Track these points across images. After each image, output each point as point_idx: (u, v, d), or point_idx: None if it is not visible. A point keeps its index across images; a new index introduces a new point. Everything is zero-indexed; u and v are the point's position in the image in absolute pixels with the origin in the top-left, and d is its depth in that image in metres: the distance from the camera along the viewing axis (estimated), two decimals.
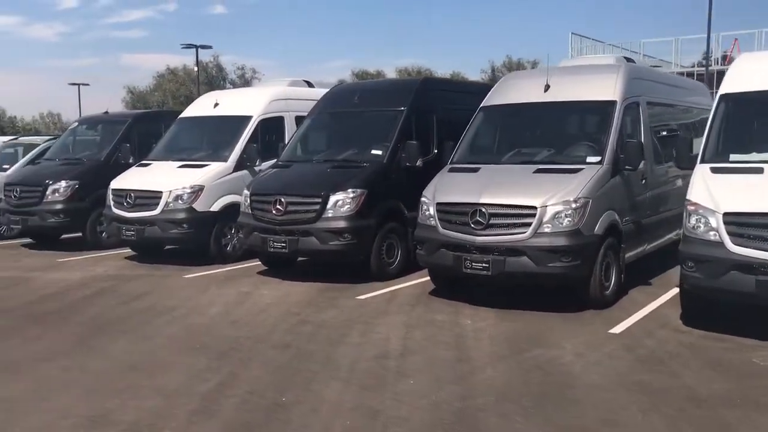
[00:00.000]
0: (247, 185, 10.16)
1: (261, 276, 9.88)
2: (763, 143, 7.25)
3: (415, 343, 6.53)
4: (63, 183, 12.28)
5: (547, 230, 7.32)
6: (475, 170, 8.34)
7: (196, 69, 45.35)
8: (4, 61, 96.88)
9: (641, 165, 8.19)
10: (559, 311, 7.49)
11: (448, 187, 8.16)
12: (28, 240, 13.52)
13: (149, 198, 10.81)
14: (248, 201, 9.74)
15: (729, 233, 6.28)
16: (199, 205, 10.69)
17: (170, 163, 11.48)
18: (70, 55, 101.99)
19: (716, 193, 6.54)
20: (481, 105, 9.31)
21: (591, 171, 7.69)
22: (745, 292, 6.20)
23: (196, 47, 43.12)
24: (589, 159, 7.97)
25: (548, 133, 8.98)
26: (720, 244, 6.33)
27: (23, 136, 20.28)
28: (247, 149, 11.21)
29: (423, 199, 8.31)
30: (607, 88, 8.42)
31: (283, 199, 9.22)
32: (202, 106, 12.62)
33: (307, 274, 9.77)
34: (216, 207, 10.85)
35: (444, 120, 10.52)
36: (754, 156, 7.08)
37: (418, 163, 9.69)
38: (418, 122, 10.09)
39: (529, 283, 7.92)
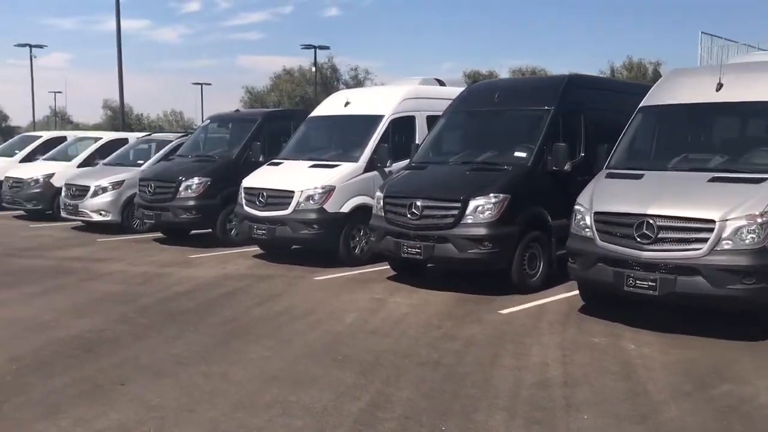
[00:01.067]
0: (379, 187, 9.77)
1: (392, 282, 9.45)
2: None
3: (577, 369, 5.86)
4: (195, 180, 12.36)
5: (726, 247, 6.44)
6: (639, 177, 7.53)
7: (314, 69, 45.96)
8: (132, 63, 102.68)
9: None
10: (737, 339, 6.59)
11: (609, 195, 7.40)
12: (159, 235, 13.76)
13: (281, 197, 10.63)
14: (381, 203, 9.33)
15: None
16: (329, 206, 10.41)
17: (301, 162, 11.28)
18: (190, 56, 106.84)
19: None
20: (641, 105, 8.46)
21: None
22: None
23: (315, 48, 43.77)
24: None
25: (722, 138, 8.05)
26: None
27: (155, 132, 20.87)
28: (378, 149, 10.84)
29: (578, 207, 7.59)
30: None
31: (418, 203, 8.74)
32: (332, 105, 12.38)
33: (439, 281, 9.26)
34: (346, 208, 10.54)
35: (591, 121, 9.71)
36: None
37: (566, 167, 8.98)
38: (565, 123, 9.34)
39: (703, 306, 7.04)
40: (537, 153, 8.95)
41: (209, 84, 60.54)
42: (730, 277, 6.41)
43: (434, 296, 8.58)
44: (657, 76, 65.15)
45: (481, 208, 8.42)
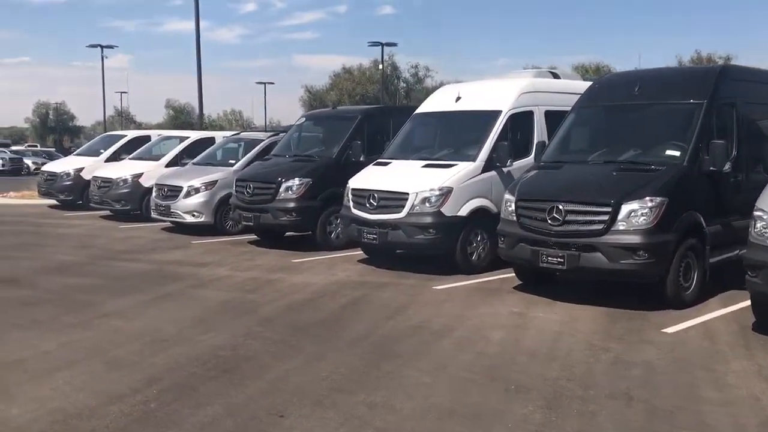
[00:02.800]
0: (508, 188, 8.96)
1: (522, 293, 8.63)
2: None
3: None
4: (296, 180, 11.77)
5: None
6: None
7: (381, 66, 45.32)
8: (191, 63, 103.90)
9: None
10: None
11: None
12: (253, 237, 13.25)
13: (394, 200, 9.93)
14: (513, 207, 8.51)
15: None
16: (447, 209, 9.66)
17: (412, 162, 10.56)
18: (247, 56, 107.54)
19: None
20: None
21: None
22: None
23: (382, 45, 43.09)
24: None
25: None
26: None
27: (245, 131, 20.45)
28: (498, 148, 10.02)
29: (758, 213, 6.65)
30: None
31: (561, 207, 7.89)
32: (441, 101, 11.59)
33: (573, 293, 8.37)
34: (464, 211, 9.77)
35: (746, 116, 8.74)
36: None
37: (726, 167, 8.04)
38: (719, 118, 8.39)
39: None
40: (692, 152, 8.01)
41: (272, 83, 60.62)
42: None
43: (579, 311, 7.73)
44: None
45: (636, 213, 7.54)
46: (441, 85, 68.94)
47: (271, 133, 15.54)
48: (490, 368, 5.83)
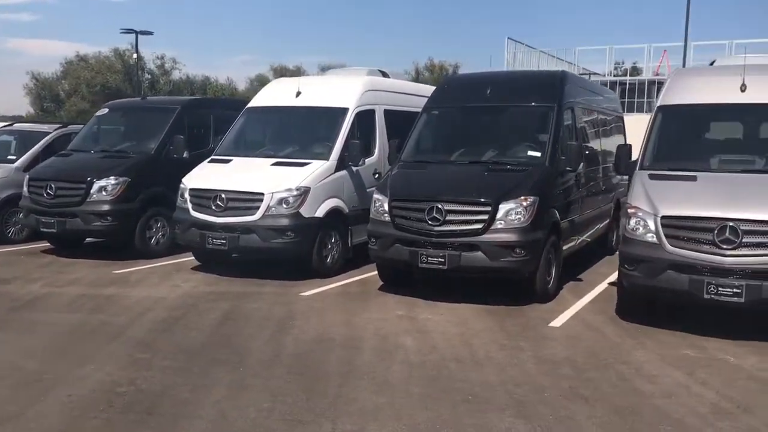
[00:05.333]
0: (377, 188, 8.73)
1: (393, 295, 8.41)
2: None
3: None
4: (111, 180, 10.30)
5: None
6: (693, 178, 7.30)
7: (135, 56, 42.11)
8: None
9: None
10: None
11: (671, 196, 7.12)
12: (45, 245, 11.36)
13: (246, 201, 9.11)
14: (386, 207, 8.28)
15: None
16: (305, 210, 9.12)
17: (258, 160, 9.82)
18: None
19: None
20: (659, 104, 8.26)
21: None
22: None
23: (136, 33, 40.01)
24: None
25: (750, 139, 8.11)
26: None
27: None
28: (350, 146, 9.71)
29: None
30: None
31: (441, 206, 7.85)
32: (279, 95, 10.90)
33: (440, 292, 8.37)
34: (321, 212, 9.31)
35: (581, 118, 9.56)
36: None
37: (580, 167, 8.68)
38: (566, 121, 9.01)
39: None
40: (551, 152, 8.47)
41: None
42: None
43: (460, 310, 7.75)
44: None
45: (512, 212, 7.75)
46: (189, 78, 66.35)
47: (58, 126, 13.43)
48: (432, 380, 5.54)
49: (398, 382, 5.46)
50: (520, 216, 7.76)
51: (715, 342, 6.60)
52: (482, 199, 7.85)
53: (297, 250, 9.14)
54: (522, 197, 7.80)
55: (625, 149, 8.25)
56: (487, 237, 7.72)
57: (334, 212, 9.49)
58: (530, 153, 8.65)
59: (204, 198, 9.35)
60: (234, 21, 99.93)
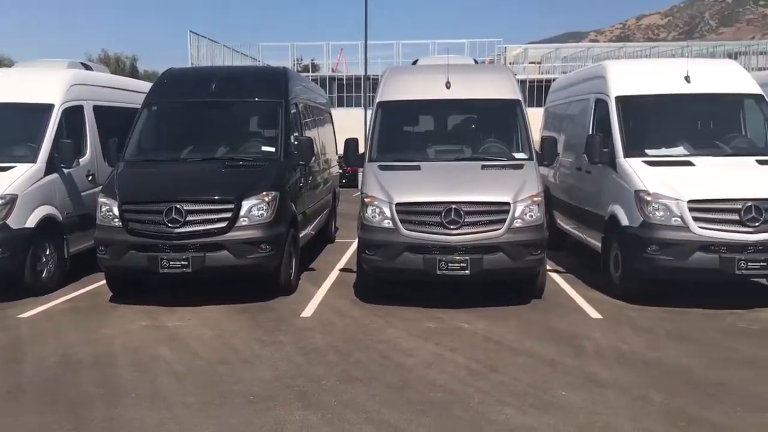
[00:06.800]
0: (102, 191, 8.07)
1: (129, 306, 7.84)
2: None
3: None
4: None
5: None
6: (418, 168, 8.03)
7: None
8: None
9: None
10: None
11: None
12: None
13: None
14: (115, 211, 7.69)
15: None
16: (13, 221, 8.04)
17: None
18: None
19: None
20: (378, 100, 8.91)
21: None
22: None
23: None
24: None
25: (458, 130, 9.13)
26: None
27: None
28: (60, 146, 8.76)
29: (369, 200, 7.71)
30: (508, 88, 8.89)
31: (180, 207, 7.53)
32: None
33: (180, 295, 8.10)
34: (32, 222, 8.28)
35: (303, 113, 9.92)
36: None
37: (312, 161, 9.00)
38: (294, 115, 9.27)
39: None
40: (284, 147, 8.63)
41: None
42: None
43: (210, 312, 7.57)
44: (135, 71, 66.74)
45: (256, 208, 7.75)
46: None
47: None
48: (206, 387, 5.35)
49: (171, 395, 5.17)
50: (263, 212, 7.78)
51: (448, 313, 7.38)
52: (224, 197, 7.71)
53: (6, 267, 8.01)
54: (264, 193, 7.83)
55: (353, 142, 8.73)
56: (232, 235, 7.61)
57: (47, 221, 8.49)
58: (264, 148, 8.70)
59: None
60: None
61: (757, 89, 8.76)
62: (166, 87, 9.40)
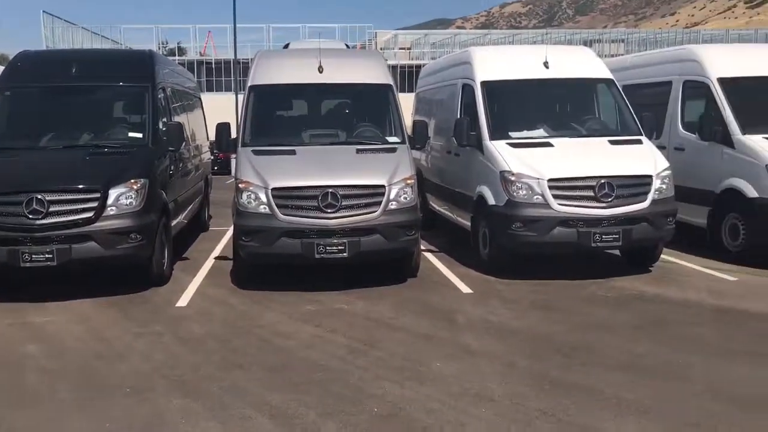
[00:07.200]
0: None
1: (5, 303, 7.40)
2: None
3: None
4: None
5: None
6: (293, 152, 8.05)
7: None
8: None
9: None
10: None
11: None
12: None
13: None
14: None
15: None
16: None
17: None
18: None
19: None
20: (251, 84, 8.81)
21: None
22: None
23: None
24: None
25: (332, 115, 9.18)
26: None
27: None
28: None
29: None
30: (380, 73, 9.06)
31: (42, 197, 7.13)
32: None
33: (45, 289, 7.69)
34: None
35: (173, 98, 9.66)
36: None
37: (182, 147, 8.80)
38: (161, 100, 8.98)
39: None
40: (152, 133, 8.37)
41: None
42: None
43: (79, 306, 7.24)
44: None
45: (124, 196, 7.48)
46: None
47: None
48: (80, 382, 5.16)
49: (44, 392, 4.96)
50: (131, 200, 7.52)
51: (327, 295, 7.49)
52: (90, 186, 7.37)
53: None
54: (132, 180, 7.56)
55: (225, 127, 8.60)
56: (100, 225, 7.30)
57: None
58: (131, 135, 8.42)
59: None
60: None
61: (608, 74, 9.42)
62: (20, 71, 8.84)
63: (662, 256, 8.65)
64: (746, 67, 9.48)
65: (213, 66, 48.45)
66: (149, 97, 8.57)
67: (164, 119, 8.80)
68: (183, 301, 7.43)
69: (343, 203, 7.43)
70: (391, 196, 7.58)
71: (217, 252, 10.08)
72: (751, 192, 8.48)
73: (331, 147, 8.31)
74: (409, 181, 7.76)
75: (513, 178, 7.97)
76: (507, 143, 8.43)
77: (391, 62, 41.48)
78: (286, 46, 10.38)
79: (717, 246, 9.02)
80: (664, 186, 8.09)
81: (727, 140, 8.85)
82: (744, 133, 8.75)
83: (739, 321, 6.52)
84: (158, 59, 9.56)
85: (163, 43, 53.38)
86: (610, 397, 4.70)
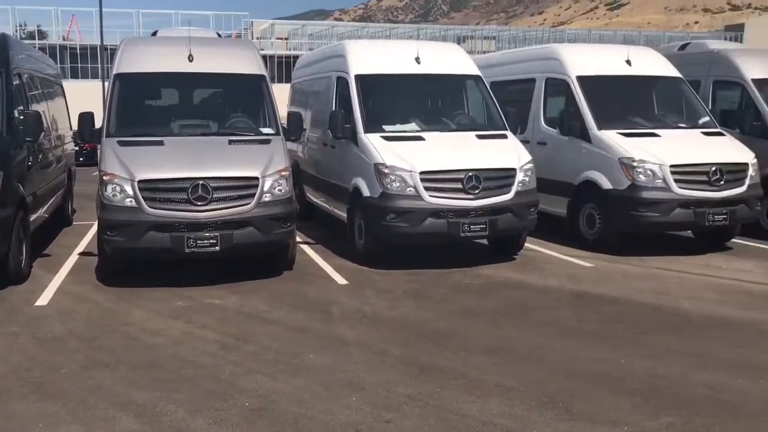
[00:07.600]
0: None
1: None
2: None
3: None
4: None
5: None
6: (161, 143, 7.79)
7: None
8: None
9: None
10: None
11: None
12: None
13: None
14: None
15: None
16: None
17: None
18: None
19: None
20: (116, 72, 8.45)
21: None
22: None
23: None
24: None
25: (204, 105, 8.95)
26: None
27: None
28: None
29: None
30: (253, 63, 8.94)
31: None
32: None
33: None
34: None
35: (30, 86, 9.09)
36: None
37: (41, 137, 8.27)
38: (17, 88, 8.43)
39: None
40: (7, 122, 7.84)
41: None
42: None
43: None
44: None
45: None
46: None
47: None
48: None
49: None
50: None
51: (198, 290, 7.33)
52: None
53: None
54: None
55: (88, 117, 8.20)
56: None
57: None
58: None
59: None
60: None
61: (476, 71, 9.77)
62: None
63: (526, 244, 9.12)
64: (603, 66, 10.12)
65: (78, 52, 45.87)
66: (2, 84, 7.99)
67: (20, 108, 8.26)
68: (43, 300, 7.03)
69: (215, 195, 7.29)
70: (265, 188, 7.53)
71: (81, 247, 9.61)
72: (606, 184, 9.08)
73: (201, 138, 8.13)
74: (283, 173, 7.72)
75: (387, 171, 8.12)
76: (381, 136, 8.56)
77: (268, 52, 40.88)
78: (155, 33, 10.01)
79: (576, 234, 9.61)
80: (527, 178, 8.52)
81: (584, 135, 9.42)
82: (600, 128, 9.34)
83: (593, 305, 6.99)
84: (13, 43, 8.92)
85: (21, 26, 49.99)
86: (475, 380, 4.91)
